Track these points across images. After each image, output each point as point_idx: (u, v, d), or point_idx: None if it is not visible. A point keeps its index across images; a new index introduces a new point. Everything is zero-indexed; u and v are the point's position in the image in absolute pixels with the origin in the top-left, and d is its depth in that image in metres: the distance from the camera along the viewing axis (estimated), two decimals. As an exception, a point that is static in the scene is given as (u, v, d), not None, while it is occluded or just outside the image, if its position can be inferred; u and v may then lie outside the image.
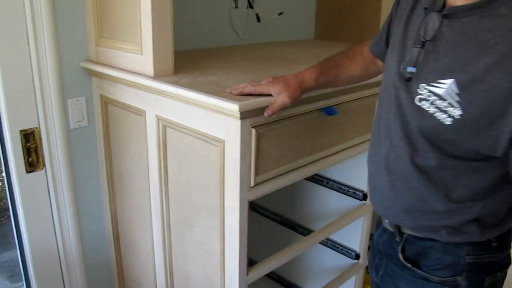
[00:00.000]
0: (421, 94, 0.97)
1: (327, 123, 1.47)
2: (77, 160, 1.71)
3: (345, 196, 1.87)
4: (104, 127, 1.69)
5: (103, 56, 1.57)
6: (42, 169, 1.62)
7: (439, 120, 0.93)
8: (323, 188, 1.94)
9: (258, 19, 2.22)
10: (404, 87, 1.01)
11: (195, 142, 1.34)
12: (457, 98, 0.90)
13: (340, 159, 1.59)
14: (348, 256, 1.95)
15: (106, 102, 1.65)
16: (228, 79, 1.42)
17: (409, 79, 0.99)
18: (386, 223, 1.19)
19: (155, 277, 1.67)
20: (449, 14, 0.95)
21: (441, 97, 0.93)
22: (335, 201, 1.92)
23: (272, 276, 2.23)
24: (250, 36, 2.24)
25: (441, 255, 1.09)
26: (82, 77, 1.64)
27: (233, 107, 1.14)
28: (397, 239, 1.15)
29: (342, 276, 1.89)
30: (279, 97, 1.20)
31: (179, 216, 1.50)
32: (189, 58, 1.75)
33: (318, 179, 1.94)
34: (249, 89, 1.21)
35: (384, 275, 1.22)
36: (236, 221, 1.29)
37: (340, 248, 1.97)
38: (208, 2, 2.02)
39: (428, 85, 0.95)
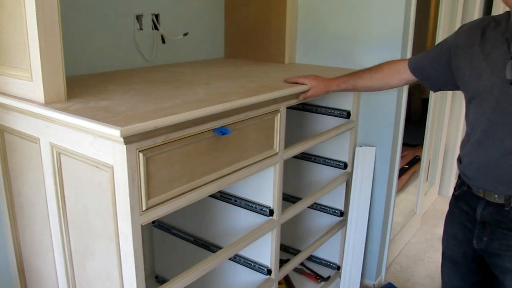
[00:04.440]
0: None
1: (222, 142, 1.49)
2: (-28, 192, 1.65)
3: (253, 212, 1.90)
4: (1, 155, 1.64)
5: (-5, 83, 1.53)
6: None
7: None
8: (232, 205, 1.96)
9: (163, 41, 2.23)
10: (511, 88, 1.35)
11: (88, 168, 1.32)
12: None
13: (240, 177, 1.61)
14: (261, 272, 1.97)
15: (1, 130, 1.61)
16: (120, 103, 1.41)
17: None
18: (495, 197, 1.45)
19: (60, 308, 1.63)
20: None
21: None
22: (244, 218, 1.94)
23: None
24: (157, 57, 2.25)
25: None
26: (-26, 106, 1.59)
27: (115, 133, 1.14)
28: (507, 208, 1.43)
29: (255, 292, 1.91)
30: (311, 89, 1.84)
31: (79, 244, 1.48)
32: (89, 83, 1.74)
33: (225, 197, 1.96)
34: (295, 79, 1.86)
35: (491, 239, 1.49)
36: (130, 246, 1.28)
37: (252, 264, 1.99)
38: (111, 25, 2.01)
39: None
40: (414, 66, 1.72)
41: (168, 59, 2.32)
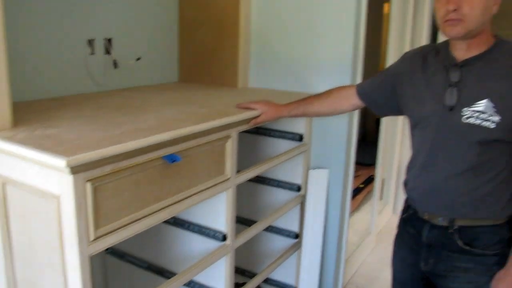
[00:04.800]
0: (466, 114, 1.38)
1: (172, 169, 1.49)
2: None
3: (206, 238, 1.89)
4: None
5: None
6: None
7: (485, 127, 1.35)
8: (185, 231, 1.95)
9: (116, 65, 2.22)
10: (451, 114, 1.41)
11: (34, 199, 1.30)
12: (495, 109, 1.34)
13: (191, 204, 1.61)
14: (215, 297, 1.96)
15: None
16: (68, 131, 1.40)
17: (451, 109, 1.40)
18: (439, 220, 1.50)
19: None
20: (464, 65, 1.41)
21: (482, 112, 1.35)
22: (198, 244, 1.93)
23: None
24: (109, 82, 2.23)
25: (491, 235, 1.45)
26: None
27: (61, 163, 1.12)
28: (451, 231, 1.47)
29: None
30: (262, 115, 1.85)
31: (25, 277, 1.44)
32: (37, 109, 1.71)
33: (179, 222, 1.95)
34: (246, 104, 1.86)
35: (437, 261, 1.53)
36: (78, 278, 1.25)
37: (207, 290, 1.98)
38: (62, 49, 1.99)
39: (470, 107, 1.37)
40: (361, 92, 1.77)
41: (121, 83, 2.30)
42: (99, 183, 1.25)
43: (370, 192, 4.26)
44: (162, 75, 2.58)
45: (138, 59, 2.31)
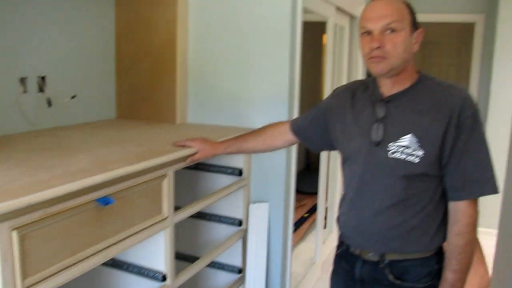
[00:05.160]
0: (392, 150, 1.42)
1: (106, 212, 1.46)
2: None
3: (146, 278, 1.85)
4: None
5: None
6: None
7: (410, 161, 1.40)
8: (124, 272, 1.90)
9: (50, 104, 2.17)
10: (377, 149, 1.45)
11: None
12: (418, 144, 1.39)
13: (127, 246, 1.57)
14: None
15: None
16: (-5, 176, 1.35)
17: (378, 144, 1.44)
18: (370, 256, 1.51)
19: None
20: (389, 100, 1.47)
21: (407, 147, 1.40)
22: (137, 285, 1.88)
23: None
24: (43, 121, 2.18)
25: (420, 268, 1.48)
26: None
27: (-17, 213, 1.08)
28: (381, 266, 1.49)
29: None
30: (198, 153, 1.84)
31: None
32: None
33: (117, 264, 1.90)
34: (183, 142, 1.85)
35: None
36: (4, 331, 1.20)
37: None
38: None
39: (395, 142, 1.42)
40: (295, 127, 1.80)
41: (56, 122, 2.25)
42: (27, 230, 1.20)
43: (315, 221, 4.31)
44: (99, 112, 2.54)
45: (73, 97, 2.27)
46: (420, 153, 1.39)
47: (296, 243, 4.07)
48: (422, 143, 1.39)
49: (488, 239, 3.76)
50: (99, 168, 1.45)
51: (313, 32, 3.40)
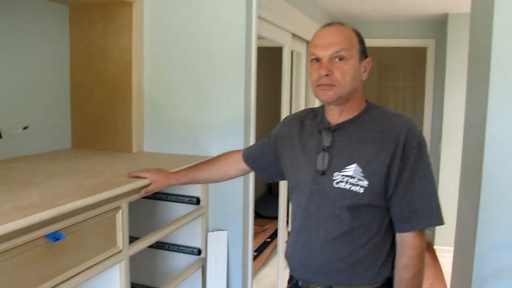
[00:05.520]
0: (337, 179, 1.41)
1: (57, 248, 1.42)
2: None
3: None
4: None
5: None
6: None
7: (355, 191, 1.38)
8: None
9: (0, 135, 2.12)
10: (323, 179, 1.43)
11: None
12: (362, 174, 1.38)
13: (80, 281, 1.53)
14: None
15: None
16: None
17: (323, 173, 1.43)
18: None
19: None
20: (336, 129, 1.47)
21: (351, 177, 1.39)
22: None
23: None
24: (-6, 153, 2.12)
25: None
26: None
27: None
28: None
29: None
30: (152, 184, 1.80)
31: None
32: None
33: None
34: (137, 173, 1.81)
35: None
36: None
37: None
38: None
39: (340, 172, 1.41)
40: (247, 156, 1.79)
41: (7, 154, 2.19)
42: (-29, 271, 1.16)
43: (277, 246, 4.31)
44: (54, 142, 2.49)
45: (25, 127, 2.22)
46: (365, 183, 1.38)
47: (258, 268, 4.05)
48: (366, 173, 1.38)
49: (446, 257, 3.83)
50: (48, 203, 1.41)
51: (274, 56, 3.43)
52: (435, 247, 4.85)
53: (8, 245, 1.25)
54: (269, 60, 3.77)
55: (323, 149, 1.46)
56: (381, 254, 1.45)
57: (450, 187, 4.26)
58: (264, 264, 4.20)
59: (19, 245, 1.29)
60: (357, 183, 1.38)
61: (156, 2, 2.49)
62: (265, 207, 5.28)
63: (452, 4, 4.11)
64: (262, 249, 4.50)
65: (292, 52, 3.54)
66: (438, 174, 4.73)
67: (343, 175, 1.40)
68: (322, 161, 1.44)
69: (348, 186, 1.39)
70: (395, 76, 6.99)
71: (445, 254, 3.97)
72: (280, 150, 1.65)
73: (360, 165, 1.39)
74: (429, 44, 5.06)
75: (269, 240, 4.73)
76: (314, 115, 1.58)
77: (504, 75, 1.77)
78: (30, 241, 1.33)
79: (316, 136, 1.51)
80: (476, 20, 2.10)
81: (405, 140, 1.38)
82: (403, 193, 1.40)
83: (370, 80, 6.32)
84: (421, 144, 1.41)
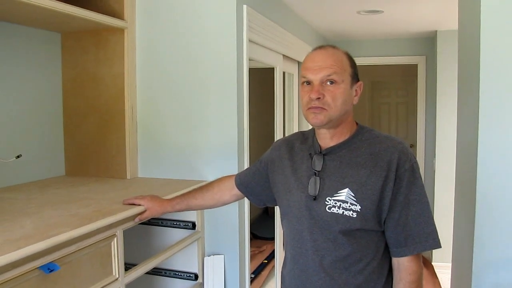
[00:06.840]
0: (329, 204, 1.39)
1: (51, 279, 1.41)
2: None
3: None
4: None
5: None
6: None
7: (348, 216, 1.36)
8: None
9: (-7, 166, 2.11)
10: (315, 204, 1.41)
11: None
12: (354, 199, 1.36)
13: (76, 311, 1.52)
14: None
15: None
16: None
17: (315, 198, 1.41)
18: None
19: None
20: (327, 153, 1.45)
21: (343, 201, 1.37)
22: None
23: None
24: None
25: None
26: None
27: None
28: None
29: None
30: (147, 211, 1.80)
31: None
32: None
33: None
34: (132, 200, 1.81)
35: None
36: None
37: None
38: None
39: (332, 197, 1.39)
40: (239, 182, 1.77)
41: (1, 183, 2.18)
42: (-37, 307, 1.15)
43: (274, 267, 4.27)
44: (47, 170, 2.48)
45: (18, 156, 2.22)
46: (357, 207, 1.36)
47: (255, 291, 4.01)
48: (358, 198, 1.36)
49: (444, 273, 3.81)
50: (42, 234, 1.40)
51: (266, 77, 3.45)
52: (433, 263, 4.83)
53: (1, 278, 1.24)
54: (262, 81, 3.79)
55: (315, 174, 1.44)
56: (380, 280, 1.42)
57: (445, 201, 4.26)
58: (262, 286, 4.16)
59: (12, 278, 1.28)
60: (349, 207, 1.36)
61: (147, 28, 2.51)
62: (261, 228, 5.24)
63: (441, 21, 4.16)
64: (260, 271, 4.45)
65: (284, 73, 3.56)
66: (433, 188, 4.73)
67: (335, 200, 1.38)
68: (314, 186, 1.42)
69: (341, 211, 1.37)
70: (388, 92, 7.05)
71: (443, 270, 3.95)
72: (271, 175, 1.63)
73: (352, 189, 1.37)
74: (420, 61, 5.12)
75: (266, 261, 4.68)
76: (304, 139, 1.57)
77: (492, 91, 1.78)
78: (23, 274, 1.31)
79: (307, 160, 1.49)
80: (463, 36, 2.13)
81: (398, 163, 1.37)
82: (398, 217, 1.38)
83: (363, 98, 6.36)
84: (414, 166, 1.39)
